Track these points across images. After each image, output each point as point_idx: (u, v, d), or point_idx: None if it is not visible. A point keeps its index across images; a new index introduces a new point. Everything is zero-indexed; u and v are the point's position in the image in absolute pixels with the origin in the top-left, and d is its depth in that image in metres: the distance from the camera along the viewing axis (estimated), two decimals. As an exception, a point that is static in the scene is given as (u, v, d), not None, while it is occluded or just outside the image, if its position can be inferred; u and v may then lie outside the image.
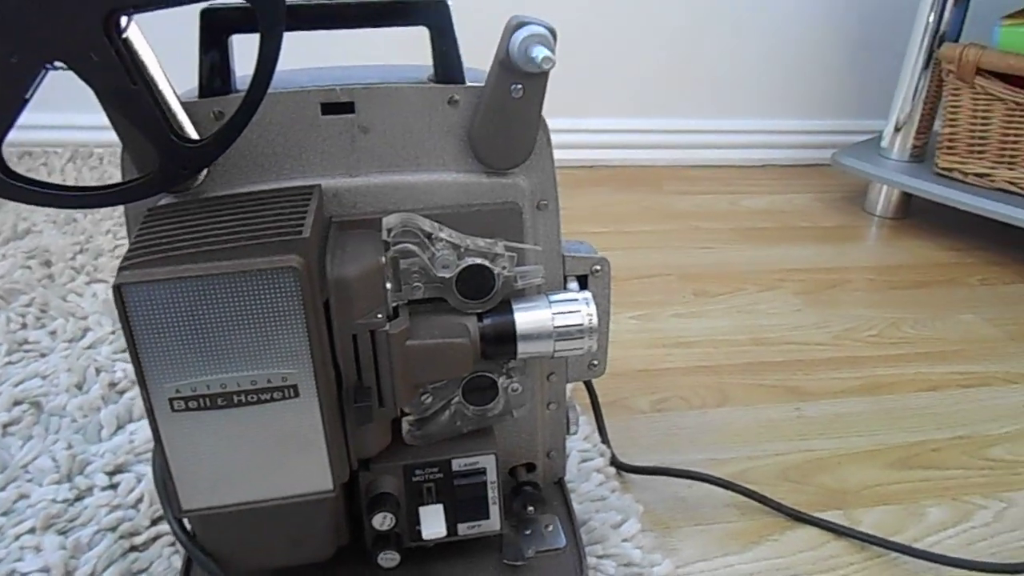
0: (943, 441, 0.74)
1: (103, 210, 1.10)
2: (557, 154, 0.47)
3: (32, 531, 0.56)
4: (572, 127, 1.40)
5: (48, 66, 0.37)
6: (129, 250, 0.39)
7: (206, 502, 0.43)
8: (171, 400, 0.40)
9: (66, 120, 1.23)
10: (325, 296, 0.41)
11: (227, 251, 0.38)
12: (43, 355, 0.77)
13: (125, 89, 0.37)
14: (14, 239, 1.00)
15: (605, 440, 0.69)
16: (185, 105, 0.41)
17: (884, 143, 1.30)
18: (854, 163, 1.27)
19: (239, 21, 0.41)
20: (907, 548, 0.60)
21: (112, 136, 0.41)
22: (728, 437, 0.74)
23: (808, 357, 0.88)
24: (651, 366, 0.84)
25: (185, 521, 0.46)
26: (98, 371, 0.74)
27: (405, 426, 0.48)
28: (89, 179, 1.21)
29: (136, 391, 0.72)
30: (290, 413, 0.41)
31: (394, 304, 0.44)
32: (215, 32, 0.42)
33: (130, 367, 0.75)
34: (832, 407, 0.79)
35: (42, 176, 1.22)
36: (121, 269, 0.38)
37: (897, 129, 1.27)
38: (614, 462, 0.67)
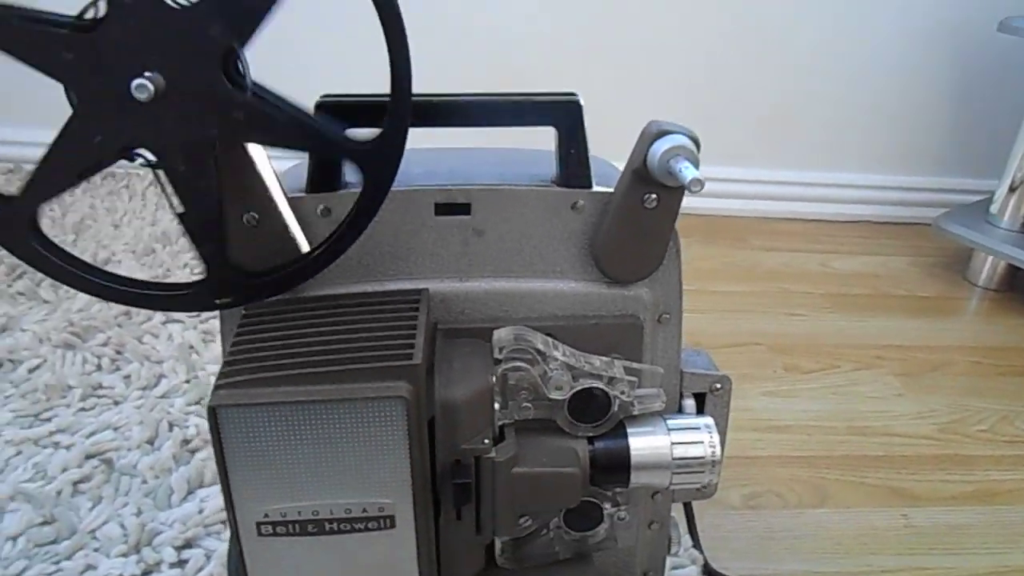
0: (1072, 568, 0.67)
1: (182, 242, 1.10)
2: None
3: (98, 609, 0.54)
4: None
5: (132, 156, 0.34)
6: (225, 363, 0.36)
7: (286, 628, 0.40)
8: (259, 524, 0.37)
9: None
10: (429, 416, 0.38)
11: (331, 373, 0.35)
12: (116, 403, 0.76)
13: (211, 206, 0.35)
14: (95, 269, 1.00)
15: (697, 545, 0.64)
16: (292, 201, 0.38)
17: (994, 208, 1.22)
18: (960, 230, 1.20)
19: (355, 114, 0.38)
20: None
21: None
22: (828, 545, 0.68)
23: (913, 453, 0.81)
24: (742, 453, 0.79)
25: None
26: (171, 425, 0.72)
27: (498, 547, 0.44)
28: (166, 205, 1.21)
29: (207, 451, 0.70)
30: (384, 544, 0.38)
31: (500, 423, 0.40)
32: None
33: (203, 422, 0.73)
34: (943, 516, 0.72)
35: (123, 199, 1.22)
36: (217, 388, 0.35)
37: (1012, 190, 1.19)
38: (708, 570, 0.62)
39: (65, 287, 0.93)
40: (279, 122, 0.35)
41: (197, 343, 0.86)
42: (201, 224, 0.36)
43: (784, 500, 0.73)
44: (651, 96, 1.35)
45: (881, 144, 1.42)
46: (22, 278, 0.97)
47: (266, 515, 0.37)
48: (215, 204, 0.36)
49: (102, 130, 0.35)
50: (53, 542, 0.60)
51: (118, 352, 0.83)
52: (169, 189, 0.36)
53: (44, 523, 0.61)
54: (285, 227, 0.38)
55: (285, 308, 0.39)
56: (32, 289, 0.94)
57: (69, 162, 0.35)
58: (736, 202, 1.41)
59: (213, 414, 0.34)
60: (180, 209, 0.36)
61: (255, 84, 0.34)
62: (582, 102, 0.39)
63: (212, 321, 0.90)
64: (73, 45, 0.32)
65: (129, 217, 1.16)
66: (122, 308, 0.91)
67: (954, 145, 1.43)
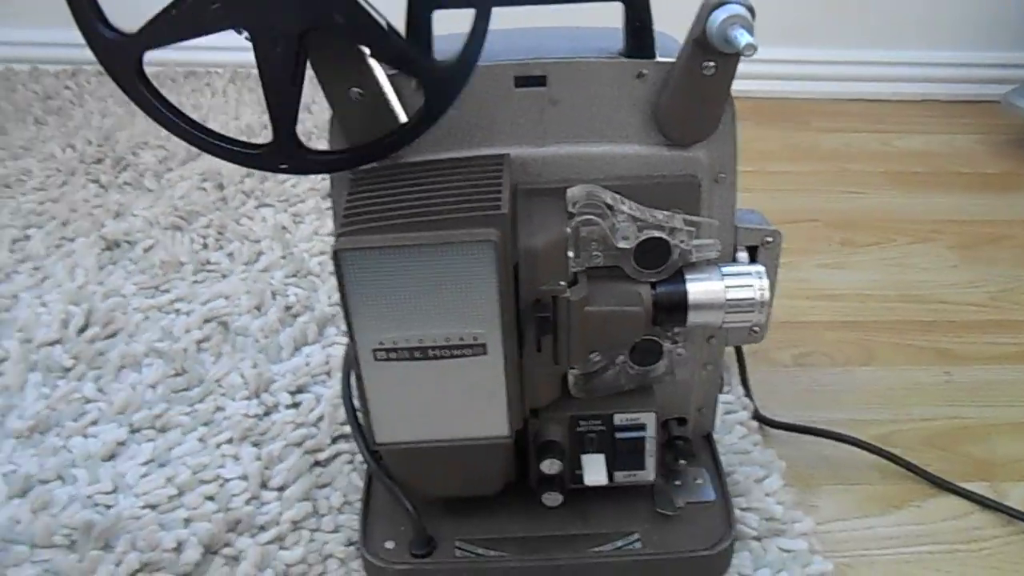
0: (1104, 418, 0.72)
1: (263, 135, 1.17)
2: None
3: (230, 441, 0.64)
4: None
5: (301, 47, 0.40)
6: (343, 216, 0.43)
7: (397, 437, 0.48)
8: (375, 351, 0.44)
9: (226, 41, 1.29)
10: (514, 261, 0.44)
11: (433, 222, 0.41)
12: (224, 276, 0.85)
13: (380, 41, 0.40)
14: (189, 160, 1.08)
15: (748, 393, 0.70)
16: (390, 78, 0.44)
17: (1065, 82, 1.19)
18: (1028, 105, 1.18)
19: (444, -5, 0.43)
20: (1058, 528, 0.59)
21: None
22: (872, 398, 0.74)
23: (961, 318, 0.85)
24: (794, 318, 0.84)
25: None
26: (274, 295, 0.81)
27: (571, 379, 0.51)
28: (250, 100, 1.28)
29: (308, 316, 0.78)
30: (477, 367, 0.45)
31: (574, 270, 0.46)
32: (421, 8, 0.44)
33: (302, 292, 0.82)
34: (984, 373, 0.77)
35: (207, 96, 1.30)
36: (339, 235, 0.42)
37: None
38: (757, 416, 0.68)
39: (165, 178, 1.01)
40: (373, 35, 0.40)
41: (289, 224, 0.94)
42: (279, 99, 0.42)
43: (832, 359, 0.78)
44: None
45: (946, 19, 1.38)
46: (126, 170, 1.06)
47: (381, 343, 0.44)
48: (293, 85, 0.42)
49: (275, 37, 0.40)
50: (186, 389, 0.70)
51: (220, 233, 0.92)
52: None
53: (176, 374, 0.71)
54: (386, 100, 0.44)
55: (389, 171, 0.46)
56: (137, 179, 1.03)
57: (184, 19, 0.41)
58: (798, 83, 1.41)
59: (336, 257, 0.41)
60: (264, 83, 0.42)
61: None
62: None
63: (300, 205, 0.98)
64: None
65: (214, 113, 1.23)
66: (219, 194, 1.00)
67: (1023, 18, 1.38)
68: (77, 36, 0.41)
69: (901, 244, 0.99)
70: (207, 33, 0.41)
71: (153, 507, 0.58)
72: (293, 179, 1.02)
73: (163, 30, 0.41)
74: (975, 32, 1.39)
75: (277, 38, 0.40)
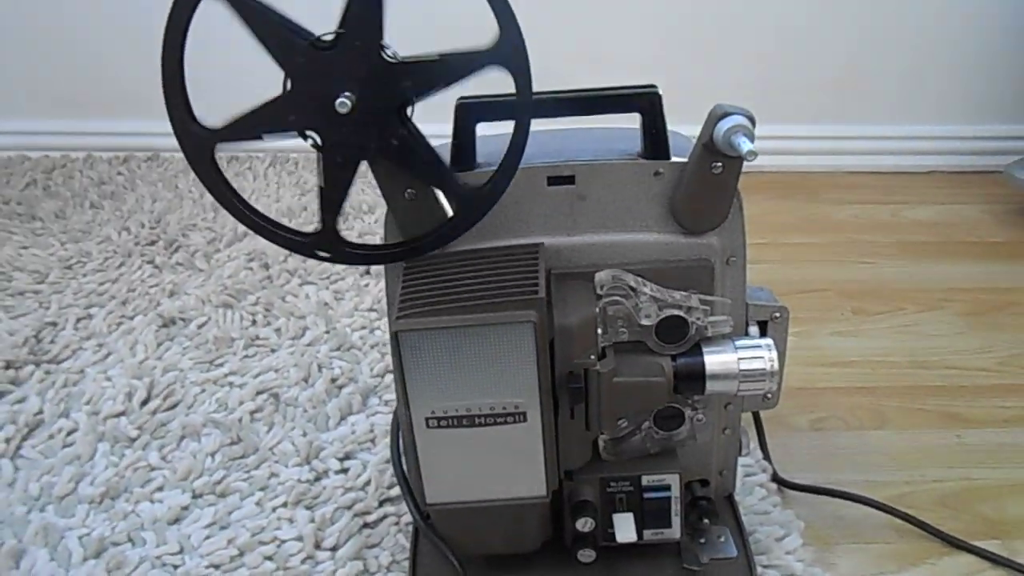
0: (1110, 479, 0.75)
1: (303, 216, 1.25)
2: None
3: (285, 505, 0.69)
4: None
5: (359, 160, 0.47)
6: (400, 300, 0.49)
7: (447, 498, 0.53)
8: (427, 419, 0.50)
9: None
10: (550, 338, 0.50)
11: (479, 305, 0.47)
12: (272, 350, 0.91)
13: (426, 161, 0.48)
14: (235, 241, 1.16)
15: (767, 457, 0.74)
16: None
17: (1064, 153, 1.25)
18: (1029, 177, 1.24)
19: (487, 112, 0.50)
20: (1066, 584, 0.62)
21: (304, 144, 0.49)
22: (886, 460, 0.77)
23: (971, 383, 0.89)
24: (809, 385, 0.89)
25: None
26: (320, 367, 0.87)
27: (602, 444, 0.56)
28: (288, 183, 1.37)
29: (352, 387, 0.84)
30: (519, 434, 0.50)
31: (603, 345, 0.52)
32: (467, 120, 0.51)
33: (345, 364, 0.88)
34: (995, 436, 0.81)
35: (249, 179, 1.39)
36: (397, 318, 0.48)
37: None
38: (775, 478, 0.73)
39: (215, 258, 1.09)
40: (431, 67, 0.46)
41: (331, 301, 1.01)
42: (331, 197, 0.49)
43: (846, 423, 0.83)
44: (726, 67, 1.42)
45: (952, 94, 1.45)
46: (179, 251, 1.13)
47: (433, 412, 0.50)
48: (345, 188, 0.49)
49: (299, 113, 0.47)
50: (242, 456, 0.75)
51: (267, 310, 0.99)
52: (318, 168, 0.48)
53: (232, 443, 0.77)
54: (436, 199, 0.51)
55: (437, 260, 0.52)
56: (189, 260, 1.11)
57: (261, 121, 0.48)
58: (809, 158, 1.48)
59: (396, 337, 0.47)
60: (322, 184, 0.49)
61: (403, 58, 0.46)
62: (660, 92, 0.50)
63: (340, 282, 1.05)
64: (308, 55, 0.45)
65: (256, 195, 1.32)
66: (265, 273, 1.07)
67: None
68: (129, 126, 0.48)
69: (911, 312, 1.04)
70: (278, 133, 0.48)
71: (217, 567, 0.63)
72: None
73: (239, 128, 0.48)
74: (978, 106, 1.47)
75: (340, 152, 0.47)
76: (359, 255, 0.51)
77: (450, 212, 0.51)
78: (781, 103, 1.45)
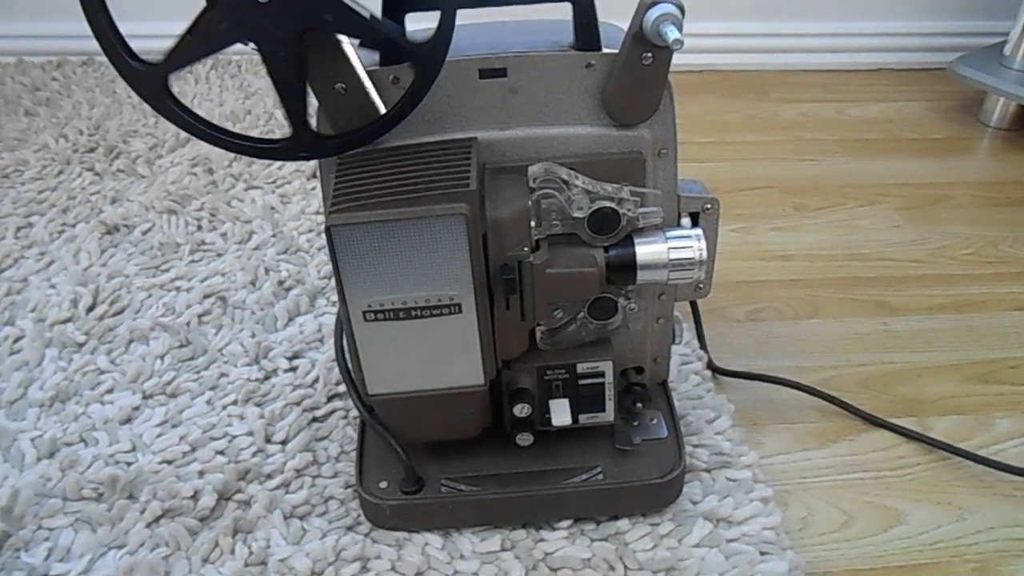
0: (1023, 359, 0.80)
1: (249, 119, 1.22)
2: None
3: (235, 403, 0.71)
4: (684, 31, 1.42)
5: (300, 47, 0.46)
6: (333, 196, 0.49)
7: (387, 389, 0.55)
8: (364, 313, 0.51)
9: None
10: (483, 231, 0.51)
11: (411, 199, 0.48)
12: (219, 255, 0.91)
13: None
14: (178, 147, 1.13)
15: (703, 346, 0.78)
16: (370, 73, 0.50)
17: (1007, 49, 1.26)
18: (972, 73, 1.25)
19: (415, 1, 0.49)
20: (971, 454, 0.67)
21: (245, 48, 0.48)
22: (816, 347, 0.81)
23: (901, 274, 0.93)
24: (749, 278, 0.92)
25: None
26: (267, 270, 0.87)
27: (539, 334, 0.58)
28: (231, 87, 1.33)
29: (299, 288, 0.85)
30: (454, 325, 0.52)
31: (536, 238, 0.53)
32: (394, 11, 0.50)
33: (292, 267, 0.88)
34: (919, 323, 0.85)
35: (191, 84, 1.34)
36: (330, 212, 0.48)
37: (1025, 30, 1.23)
38: (710, 366, 0.76)
39: (157, 164, 1.07)
40: (358, 25, 0.46)
41: (277, 204, 1.00)
42: (290, 95, 0.48)
43: (781, 313, 0.86)
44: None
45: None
46: (119, 157, 1.11)
47: (369, 305, 0.51)
48: (300, 81, 0.48)
49: (227, 20, 0.46)
50: (191, 358, 0.76)
51: (212, 215, 0.98)
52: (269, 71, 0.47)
53: (181, 345, 0.77)
54: (366, 93, 0.50)
55: (370, 156, 0.52)
56: (130, 166, 1.09)
57: (199, 42, 0.47)
58: (757, 56, 1.47)
59: (329, 232, 0.48)
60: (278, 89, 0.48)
61: None
62: (591, -20, 0.50)
63: (286, 186, 1.04)
64: (221, 18, 0.44)
65: (199, 100, 1.29)
66: (209, 178, 1.05)
67: (975, -13, 1.45)
68: (62, 28, 0.47)
69: (850, 207, 1.07)
70: (220, 49, 0.47)
71: (170, 462, 0.65)
72: (278, 162, 1.08)
73: (183, 55, 0.47)
74: (924, 4, 1.47)
75: (279, 44, 0.46)
76: (336, 145, 0.51)
77: (382, 108, 0.51)
78: (734, 1, 1.43)
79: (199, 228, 0.96)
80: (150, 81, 0.47)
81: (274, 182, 1.05)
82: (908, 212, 1.05)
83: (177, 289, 0.86)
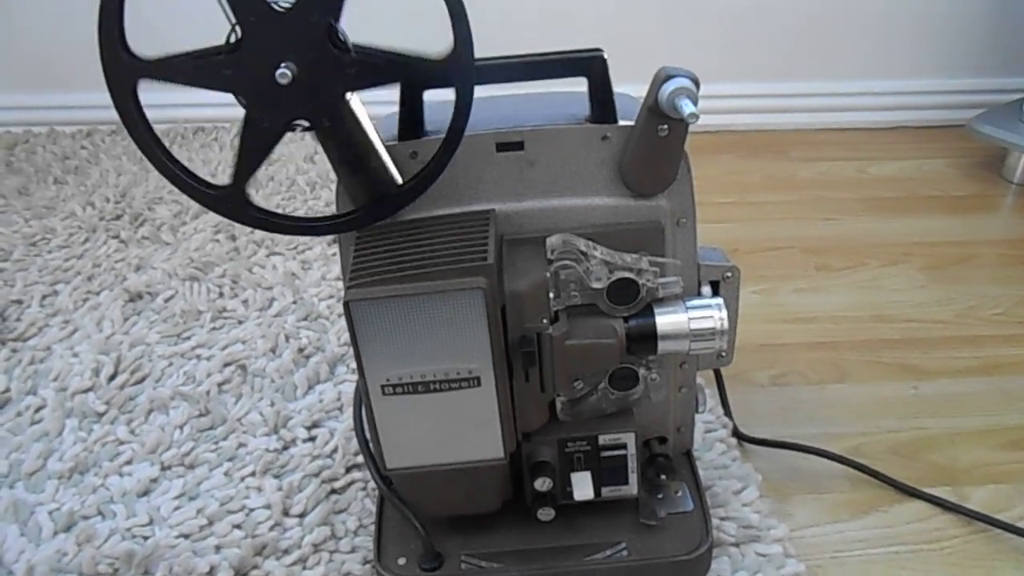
0: (1059, 424, 0.77)
1: (271, 186, 1.24)
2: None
3: (253, 474, 0.70)
4: (700, 93, 1.43)
5: (285, 129, 0.47)
6: (352, 271, 0.49)
7: (405, 463, 0.54)
8: (383, 387, 0.51)
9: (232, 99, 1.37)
10: (501, 303, 0.51)
11: (430, 273, 0.48)
12: (240, 322, 0.92)
13: (354, 149, 0.47)
14: (202, 213, 1.15)
15: (727, 413, 0.76)
16: (387, 147, 0.51)
17: (1027, 106, 1.26)
18: (992, 130, 1.25)
19: (433, 78, 0.50)
20: (1011, 526, 0.65)
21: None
22: (844, 413, 0.79)
23: (928, 335, 0.91)
24: (772, 341, 0.90)
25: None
26: (287, 338, 0.87)
27: (559, 405, 0.57)
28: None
29: (319, 356, 0.85)
30: (473, 398, 0.51)
31: (555, 309, 0.53)
32: (413, 88, 0.51)
33: (312, 334, 0.88)
34: (949, 386, 0.83)
35: (215, 151, 1.37)
36: (348, 287, 0.48)
37: (1045, 88, 1.23)
38: (735, 433, 0.74)
39: (181, 231, 1.08)
40: (379, 65, 0.46)
41: (298, 271, 1.01)
42: (247, 158, 0.48)
43: (807, 378, 0.84)
44: (692, 25, 1.42)
45: (917, 49, 1.46)
46: (144, 225, 1.13)
47: (387, 379, 0.50)
48: (263, 153, 0.48)
49: (234, 71, 0.46)
50: (210, 428, 0.76)
51: (234, 282, 0.99)
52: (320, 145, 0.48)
53: (200, 415, 0.77)
54: (384, 167, 0.51)
55: (389, 229, 0.52)
56: (155, 233, 1.11)
57: (254, 146, 0.48)
58: (776, 116, 1.48)
59: (347, 307, 0.48)
60: (241, 142, 0.48)
61: (355, 45, 0.46)
62: (606, 56, 0.50)
63: (307, 252, 1.05)
64: (230, 64, 0.45)
65: (223, 166, 1.31)
66: (231, 245, 1.07)
67: (991, 45, 1.46)
68: (92, 99, 0.47)
69: (873, 267, 1.05)
70: (208, 88, 0.46)
71: (186, 536, 0.64)
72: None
73: (172, 68, 0.46)
74: (942, 62, 1.48)
75: (267, 118, 0.47)
76: (260, 219, 0.50)
77: (399, 180, 0.52)
78: (748, 61, 1.45)
79: (220, 295, 0.97)
80: (126, 74, 0.45)
81: (295, 248, 1.06)
82: (933, 272, 1.04)
83: (198, 357, 0.86)
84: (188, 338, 0.89)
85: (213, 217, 1.14)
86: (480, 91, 0.52)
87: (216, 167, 1.31)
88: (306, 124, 0.47)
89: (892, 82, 1.48)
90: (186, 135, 1.42)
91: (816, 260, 1.07)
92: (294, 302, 0.94)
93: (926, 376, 0.84)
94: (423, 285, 0.48)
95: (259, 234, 1.09)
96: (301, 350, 0.86)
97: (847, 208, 1.21)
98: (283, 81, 0.45)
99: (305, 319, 0.91)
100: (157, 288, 0.98)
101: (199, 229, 1.11)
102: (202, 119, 1.46)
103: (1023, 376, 0.84)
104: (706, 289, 0.58)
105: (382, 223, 0.53)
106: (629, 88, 0.55)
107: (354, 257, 0.50)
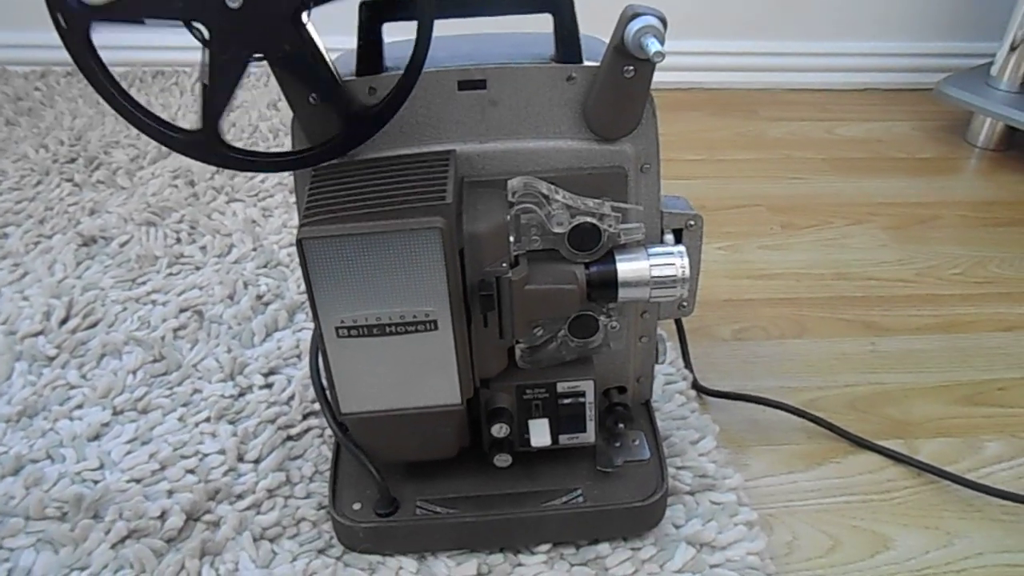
0: (1011, 380, 0.79)
1: (234, 132, 1.21)
2: (654, 75, 0.51)
3: (208, 420, 0.69)
4: (671, 49, 1.41)
5: (248, 60, 0.45)
6: (305, 209, 0.48)
7: (360, 408, 0.53)
8: (337, 329, 0.50)
9: (193, 42, 1.33)
10: (460, 246, 0.50)
11: (385, 212, 0.46)
12: (197, 268, 0.89)
13: (315, 73, 0.45)
14: (160, 158, 1.12)
15: (688, 365, 0.76)
16: (345, 82, 0.49)
17: (994, 69, 1.27)
18: (959, 93, 1.26)
19: (392, 11, 0.48)
20: (959, 477, 0.66)
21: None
22: (802, 367, 0.80)
23: (888, 293, 0.92)
24: (735, 296, 0.91)
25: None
26: (246, 284, 0.86)
27: (518, 352, 0.56)
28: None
29: (278, 303, 0.83)
30: (430, 342, 0.50)
31: (515, 253, 0.52)
32: (372, 21, 0.49)
33: (272, 281, 0.86)
34: (906, 343, 0.84)
35: (176, 95, 1.33)
36: (301, 225, 0.47)
37: (1012, 49, 1.23)
38: (695, 386, 0.75)
39: (138, 176, 1.05)
40: (308, 69, 0.44)
41: (258, 218, 0.98)
42: (214, 96, 0.46)
43: (768, 333, 0.85)
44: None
45: (888, 11, 1.45)
46: (99, 168, 1.09)
47: (342, 321, 0.49)
48: (230, 90, 0.45)
49: (225, 46, 0.44)
50: (165, 373, 0.74)
51: (192, 227, 0.96)
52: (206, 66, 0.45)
53: (155, 360, 0.76)
54: (347, 98, 0.49)
55: (346, 168, 0.51)
56: (110, 177, 1.07)
57: (223, 83, 0.46)
58: (746, 75, 1.47)
59: (300, 246, 0.47)
60: (205, 81, 0.46)
61: (308, 33, 0.44)
62: (573, -6, 0.49)
63: (268, 199, 1.03)
64: None
65: (183, 111, 1.27)
66: (190, 190, 1.04)
67: (960, 10, 1.46)
68: (45, 38, 0.44)
69: (838, 226, 1.06)
70: (161, 19, 0.43)
71: (138, 481, 0.63)
72: (261, 175, 1.07)
73: (122, 7, 0.43)
74: (912, 24, 1.47)
75: (229, 50, 0.45)
76: (238, 160, 0.48)
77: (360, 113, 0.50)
78: (720, 18, 1.44)
79: (178, 241, 0.94)
80: (76, 21, 0.43)
81: (256, 195, 1.03)
82: (896, 232, 1.05)
83: (153, 303, 0.84)
84: (143, 283, 0.87)
85: (171, 162, 1.11)
86: (443, 30, 0.51)
87: (176, 112, 1.27)
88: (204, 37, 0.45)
89: (861, 43, 1.48)
90: (145, 79, 1.38)
91: (782, 218, 1.07)
92: (254, 249, 0.92)
93: (885, 333, 0.85)
94: (379, 224, 0.46)
95: (219, 180, 1.06)
96: (260, 297, 0.84)
97: (814, 168, 1.21)
98: (233, 4, 0.43)
99: (265, 266, 0.89)
100: (112, 233, 0.95)
101: (156, 174, 1.08)
102: (162, 62, 1.41)
103: (978, 334, 0.86)
104: (669, 237, 0.57)
105: (339, 161, 0.51)
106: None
107: (309, 195, 0.49)
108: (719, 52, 1.45)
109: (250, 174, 1.08)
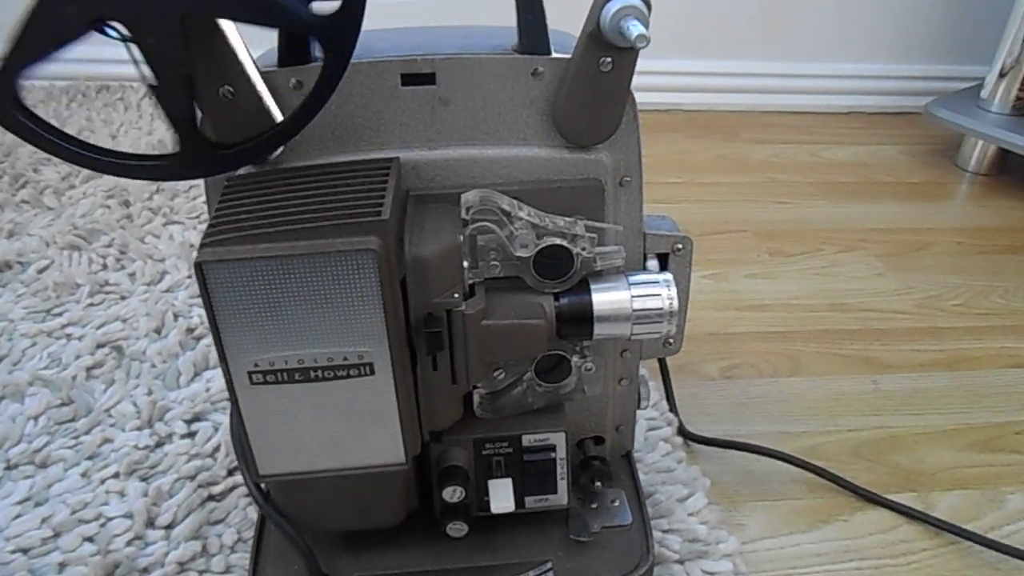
0: (1028, 424, 0.71)
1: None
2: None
3: (116, 476, 0.59)
4: (649, 68, 1.35)
5: (104, 29, 0.36)
6: (210, 225, 0.39)
7: (282, 468, 0.44)
8: (250, 373, 0.40)
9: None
10: (402, 273, 0.41)
11: (307, 230, 0.38)
12: (123, 297, 0.80)
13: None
14: (93, 177, 1.02)
15: (673, 409, 0.68)
16: (264, 75, 0.41)
17: (984, 93, 1.21)
18: (949, 115, 1.20)
19: (320, -13, 0.40)
20: (983, 538, 0.58)
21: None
22: (799, 409, 0.72)
23: (887, 326, 0.84)
24: (722, 330, 0.83)
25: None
26: (176, 316, 0.76)
27: (476, 399, 0.47)
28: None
29: (211, 338, 0.73)
30: (365, 389, 0.41)
31: (470, 282, 0.43)
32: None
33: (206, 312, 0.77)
34: (910, 381, 0.76)
35: (119, 111, 1.24)
36: (202, 246, 0.38)
37: (1002, 75, 1.18)
38: (681, 432, 0.66)
39: (67, 195, 0.95)
40: (250, 3, 0.36)
41: (196, 241, 0.89)
42: (173, 98, 0.39)
43: (759, 370, 0.77)
44: None
45: (874, 33, 1.40)
46: (25, 187, 1.00)
47: (256, 364, 0.40)
48: (186, 78, 0.38)
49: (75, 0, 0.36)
50: (72, 420, 0.64)
51: (122, 252, 0.87)
52: (142, 64, 0.38)
53: (62, 404, 0.66)
54: (259, 98, 0.40)
55: (265, 177, 0.42)
56: (36, 197, 0.97)
57: (45, 34, 0.37)
58: (728, 96, 1.41)
59: (200, 270, 0.37)
60: (153, 82, 0.38)
61: None
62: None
63: (211, 222, 0.93)
64: None
65: (126, 128, 1.18)
66: (124, 211, 0.94)
67: (947, 32, 1.41)
68: None
69: (828, 253, 0.99)
70: (75, 39, 0.36)
71: (24, 551, 0.53)
72: (204, 195, 0.97)
73: (28, 54, 0.36)
74: (898, 46, 1.42)
75: (155, 27, 0.36)
76: (235, 157, 0.40)
77: (279, 115, 0.41)
78: (701, 37, 1.37)
79: (104, 267, 0.84)
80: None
81: (197, 216, 0.94)
82: (890, 259, 0.98)
83: (68, 337, 0.74)
84: (59, 314, 0.77)
85: (107, 181, 1.01)
86: (387, 21, 0.43)
87: (118, 128, 1.18)
88: (124, 33, 0.36)
89: (846, 65, 1.42)
90: (88, 93, 1.28)
91: (769, 245, 0.99)
92: (188, 276, 0.83)
93: (886, 370, 0.77)
94: (299, 245, 0.37)
95: (156, 201, 0.97)
96: (190, 331, 0.74)
97: (801, 192, 1.15)
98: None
99: (199, 296, 0.79)
100: (30, 257, 0.85)
101: (88, 193, 0.98)
102: (107, 77, 1.32)
103: (987, 371, 0.78)
104: (652, 263, 0.49)
105: (257, 170, 0.42)
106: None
107: (217, 209, 0.40)
108: (699, 72, 1.39)
109: (193, 193, 0.98)
